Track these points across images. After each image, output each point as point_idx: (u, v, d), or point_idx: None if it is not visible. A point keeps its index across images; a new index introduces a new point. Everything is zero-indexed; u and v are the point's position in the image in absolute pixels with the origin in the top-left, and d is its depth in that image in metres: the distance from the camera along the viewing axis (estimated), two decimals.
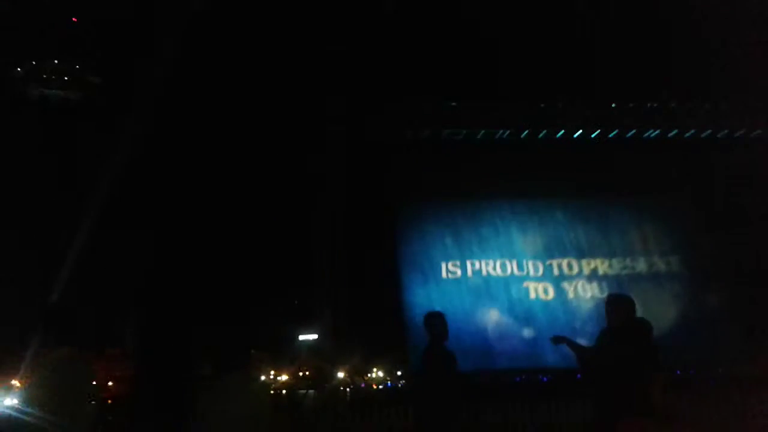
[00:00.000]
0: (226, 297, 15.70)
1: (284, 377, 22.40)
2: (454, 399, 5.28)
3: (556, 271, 16.94)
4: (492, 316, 16.37)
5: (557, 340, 5.60)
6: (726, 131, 17.22)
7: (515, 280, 16.78)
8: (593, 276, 16.99)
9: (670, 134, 17.20)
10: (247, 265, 15.94)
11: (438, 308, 15.99)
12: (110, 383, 19.31)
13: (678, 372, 14.27)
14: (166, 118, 13.40)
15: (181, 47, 11.70)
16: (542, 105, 16.24)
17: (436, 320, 5.55)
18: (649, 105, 16.74)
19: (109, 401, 17.11)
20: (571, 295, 16.66)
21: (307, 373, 22.47)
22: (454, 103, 15.93)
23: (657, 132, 17.12)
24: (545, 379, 15.55)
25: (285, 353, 21.58)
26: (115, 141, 12.89)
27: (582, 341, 5.76)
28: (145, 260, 14.69)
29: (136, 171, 14.34)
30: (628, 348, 5.00)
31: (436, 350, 5.42)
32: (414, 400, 5.58)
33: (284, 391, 18.86)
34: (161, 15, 11.89)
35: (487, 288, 16.75)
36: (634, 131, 17.01)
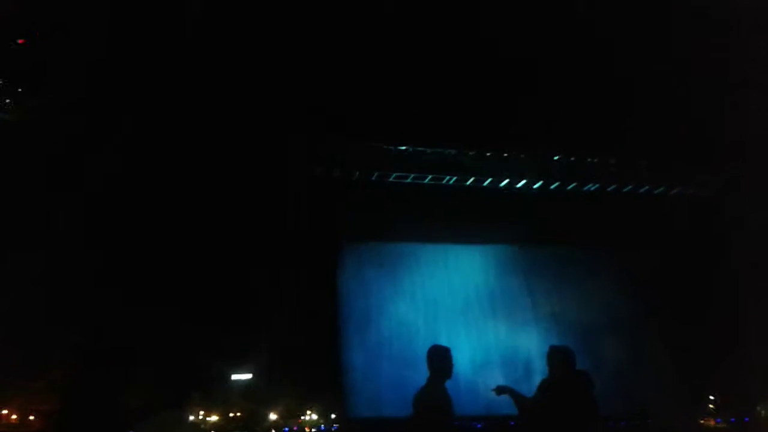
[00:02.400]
0: (159, 332, 15.20)
1: (214, 418, 21.57)
2: None
3: (496, 317, 17.09)
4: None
5: (500, 390, 5.55)
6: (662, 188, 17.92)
7: (455, 324, 16.83)
8: (533, 324, 17.22)
9: (609, 188, 17.78)
10: (181, 301, 15.47)
11: (375, 352, 15.97)
12: (32, 417, 18.22)
13: (611, 424, 14.47)
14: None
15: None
16: (488, 154, 16.55)
17: (440, 355, 5.16)
18: (589, 160, 17.26)
19: None
20: (510, 342, 16.80)
21: (238, 414, 21.73)
22: (403, 147, 16.07)
23: (597, 186, 17.67)
24: (479, 425, 15.50)
25: (216, 392, 20.83)
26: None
27: (522, 390, 5.74)
28: (77, 294, 14.13)
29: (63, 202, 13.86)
30: (568, 400, 5.05)
31: (434, 389, 5.01)
32: None
33: None
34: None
35: (425, 332, 16.72)
36: (574, 184, 17.50)
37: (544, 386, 5.37)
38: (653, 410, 16.83)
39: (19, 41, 12.08)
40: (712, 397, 19.71)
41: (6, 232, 12.68)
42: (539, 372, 15.39)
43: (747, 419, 17.42)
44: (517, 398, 5.51)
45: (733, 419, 19.06)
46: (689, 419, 17.75)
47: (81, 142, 12.81)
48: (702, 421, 19.62)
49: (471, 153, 16.44)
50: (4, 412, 17.78)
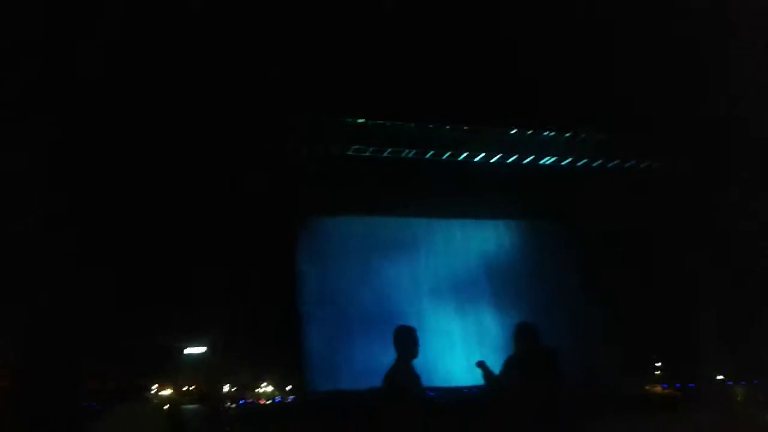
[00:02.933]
0: (110, 307, 14.86)
1: (168, 391, 21.30)
2: (417, 425, 4.83)
3: (458, 294, 17.29)
4: (387, 334, 16.36)
5: (479, 364, 5.62)
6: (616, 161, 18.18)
7: (417, 299, 16.97)
8: (496, 298, 17.50)
9: (564, 162, 17.95)
10: (135, 273, 15.13)
11: (332, 326, 15.96)
12: None
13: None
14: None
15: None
16: (447, 127, 16.48)
17: (406, 335, 5.11)
18: (546, 133, 17.33)
19: None
20: (472, 317, 17.05)
21: (192, 387, 21.53)
22: (361, 120, 15.84)
23: (552, 159, 17.81)
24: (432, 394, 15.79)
25: (169, 366, 20.54)
26: None
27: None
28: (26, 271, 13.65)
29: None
30: (535, 375, 5.18)
31: (402, 369, 4.95)
32: (376, 424, 5.06)
33: (166, 407, 17.92)
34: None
35: (387, 305, 16.81)
36: (532, 157, 17.61)
37: (511, 362, 5.46)
38: (602, 378, 17.37)
39: None
40: (658, 364, 20.50)
41: None
42: (499, 347, 15.70)
43: (692, 385, 18.12)
44: (488, 374, 5.58)
45: (678, 385, 19.86)
46: (636, 385, 18.40)
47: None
48: (648, 387, 20.41)
49: (447, 127, 16.35)
50: None
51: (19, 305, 13.60)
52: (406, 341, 5.06)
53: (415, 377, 4.98)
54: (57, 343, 13.94)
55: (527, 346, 5.39)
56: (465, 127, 16.53)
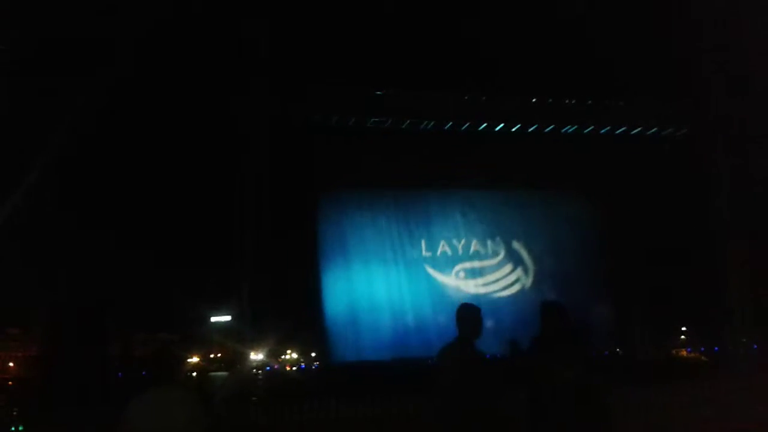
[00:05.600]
0: (139, 277, 15.21)
1: (195, 359, 21.86)
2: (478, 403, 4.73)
3: (476, 264, 17.38)
4: (409, 307, 16.64)
5: (511, 342, 5.27)
6: (639, 129, 17.98)
7: (436, 270, 17.12)
8: (520, 271, 17.62)
9: (586, 130, 17.78)
10: (161, 245, 15.45)
11: (355, 294, 16.14)
12: (11, 364, 18.34)
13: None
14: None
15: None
16: (466, 98, 16.38)
17: (469, 313, 4.97)
18: (566, 102, 17.17)
19: (10, 383, 16.30)
20: (492, 287, 17.18)
21: (219, 355, 22.05)
22: (380, 92, 15.80)
23: (574, 128, 17.65)
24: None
25: (196, 334, 21.02)
26: None
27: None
28: (54, 239, 13.99)
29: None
30: (563, 357, 4.99)
31: (464, 348, 4.86)
32: (432, 405, 5.01)
33: (194, 374, 18.43)
34: None
35: (405, 278, 16.97)
36: (552, 126, 17.46)
37: (538, 342, 5.27)
38: (629, 343, 17.50)
39: None
40: (684, 329, 20.57)
41: None
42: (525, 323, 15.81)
43: (717, 349, 18.17)
44: (516, 353, 5.27)
45: (702, 349, 19.93)
46: (662, 350, 18.50)
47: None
48: (674, 351, 20.51)
49: (449, 97, 16.20)
50: None
51: (50, 273, 13.97)
52: (470, 320, 4.96)
53: (479, 355, 4.93)
54: (86, 312, 14.36)
55: (554, 325, 5.19)
56: (483, 97, 16.43)
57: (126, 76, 12.44)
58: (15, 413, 11.39)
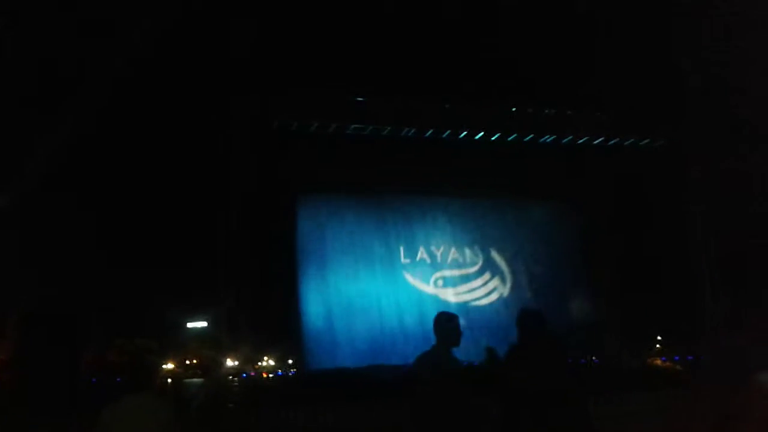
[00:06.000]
0: (113, 282, 15.00)
1: (170, 365, 21.53)
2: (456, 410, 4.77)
3: (455, 272, 17.42)
4: (385, 313, 16.63)
5: (489, 350, 5.27)
6: (617, 139, 18.19)
7: (414, 278, 17.13)
8: (497, 278, 17.68)
9: (564, 140, 17.95)
10: (137, 248, 15.26)
11: (333, 301, 16.05)
12: None
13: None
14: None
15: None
16: (447, 106, 16.46)
17: (446, 322, 5.01)
18: (546, 111, 17.32)
19: None
20: (470, 296, 17.21)
21: (194, 361, 21.75)
22: (361, 98, 15.82)
23: (553, 137, 17.81)
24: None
25: (172, 341, 20.75)
26: None
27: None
28: (27, 241, 13.78)
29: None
30: (540, 366, 4.92)
31: (441, 355, 4.91)
32: (410, 413, 4.99)
33: (169, 380, 18.16)
34: None
35: (383, 285, 16.95)
36: (531, 135, 17.60)
37: (515, 351, 5.23)
38: (605, 351, 17.60)
39: None
40: (659, 338, 20.72)
41: None
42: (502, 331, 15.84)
43: (690, 358, 18.33)
44: (493, 361, 5.28)
45: (677, 357, 20.09)
46: (636, 358, 18.61)
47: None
48: (649, 360, 20.65)
49: (430, 104, 16.28)
50: None
51: (19, 275, 13.73)
52: (448, 328, 4.98)
53: (457, 363, 4.95)
54: (58, 317, 14.13)
55: (531, 333, 5.17)
56: (464, 105, 16.51)
57: (107, 78, 12.33)
58: None
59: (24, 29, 11.50)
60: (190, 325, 21.05)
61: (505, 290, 17.96)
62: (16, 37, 11.57)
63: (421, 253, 17.60)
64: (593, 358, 17.85)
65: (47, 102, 12.55)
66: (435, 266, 17.62)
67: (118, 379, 11.81)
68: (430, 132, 16.86)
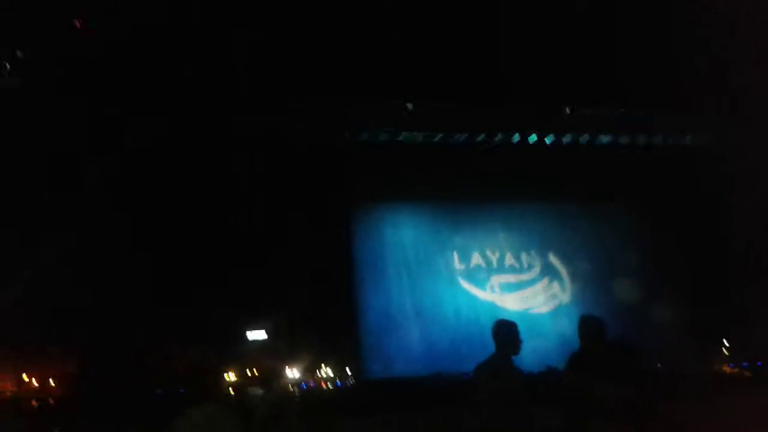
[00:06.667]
0: (174, 293, 15.36)
1: (232, 376, 21.90)
2: (515, 424, 4.72)
3: (511, 279, 17.17)
4: (442, 320, 16.53)
5: (549, 367, 5.32)
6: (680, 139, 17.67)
7: (467, 282, 16.98)
8: (551, 284, 17.34)
9: (623, 140, 17.52)
10: (197, 261, 15.58)
11: (392, 309, 16.09)
12: (51, 382, 18.56)
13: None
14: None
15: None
16: (499, 109, 16.28)
17: (506, 330, 5.01)
18: (602, 111, 16.95)
19: (51, 401, 16.44)
20: (524, 304, 16.94)
21: (255, 372, 22.03)
22: (410, 105, 15.80)
23: (609, 138, 17.40)
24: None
25: (233, 351, 21.11)
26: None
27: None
28: (87, 256, 14.21)
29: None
30: (601, 374, 4.87)
31: (501, 364, 4.90)
32: (470, 421, 4.98)
33: (232, 391, 18.42)
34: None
35: (437, 291, 16.85)
36: (587, 136, 17.24)
37: (575, 361, 5.23)
38: (667, 357, 17.01)
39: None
40: (726, 344, 19.97)
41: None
42: (555, 333, 15.56)
43: (760, 363, 17.61)
44: (552, 377, 5.30)
45: (745, 364, 19.31)
46: (703, 364, 17.96)
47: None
48: (715, 366, 19.91)
49: (479, 109, 16.12)
50: (25, 377, 18.05)
51: (84, 289, 14.17)
52: (508, 336, 4.96)
53: (517, 372, 4.91)
54: (122, 328, 14.54)
55: (593, 341, 5.13)
56: (517, 109, 16.31)
57: (143, 90, 12.71)
58: None
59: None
60: (250, 335, 21.40)
61: (565, 296, 17.60)
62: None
63: (476, 259, 17.41)
64: (659, 364, 17.30)
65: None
66: (491, 271, 17.41)
67: (182, 390, 12.04)
68: (482, 136, 16.71)
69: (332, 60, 13.65)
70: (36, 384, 18.33)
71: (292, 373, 20.13)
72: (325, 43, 13.15)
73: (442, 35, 13.43)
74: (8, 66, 12.66)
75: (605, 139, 17.36)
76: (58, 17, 11.84)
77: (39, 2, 11.44)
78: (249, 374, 22.55)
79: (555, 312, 17.31)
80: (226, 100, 14.04)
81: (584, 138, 17.24)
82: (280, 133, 15.15)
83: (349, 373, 20.86)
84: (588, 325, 5.24)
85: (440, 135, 16.41)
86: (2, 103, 12.29)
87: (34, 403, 15.89)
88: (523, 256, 17.69)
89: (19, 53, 12.47)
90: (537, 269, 17.68)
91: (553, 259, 17.81)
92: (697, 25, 13.01)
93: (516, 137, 16.94)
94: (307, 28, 12.93)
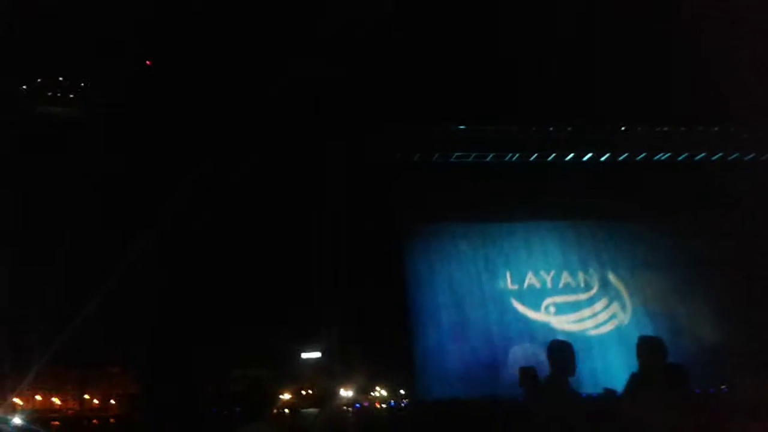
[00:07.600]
0: (228, 314, 15.66)
1: (287, 395, 22.15)
2: None
3: (568, 299, 16.91)
4: (495, 341, 16.36)
5: (608, 393, 5.24)
6: (737, 154, 17.17)
7: (520, 303, 16.80)
8: (610, 305, 17.03)
9: (680, 157, 17.14)
10: (254, 285, 15.87)
11: (442, 330, 15.94)
12: (112, 401, 19.13)
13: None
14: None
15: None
16: (551, 129, 16.16)
17: (562, 350, 4.88)
18: (657, 129, 16.65)
19: (112, 420, 16.91)
20: (581, 325, 16.64)
21: (309, 391, 22.21)
22: (463, 126, 15.85)
23: (667, 155, 17.06)
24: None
25: (287, 371, 21.34)
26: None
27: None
28: (148, 280, 14.62)
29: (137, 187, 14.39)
30: (662, 395, 4.68)
31: (558, 385, 4.78)
32: None
33: (287, 410, 18.60)
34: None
35: (489, 312, 16.70)
36: (644, 155, 16.95)
37: (635, 384, 4.98)
38: (734, 381, 16.34)
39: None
40: None
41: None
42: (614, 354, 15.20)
43: None
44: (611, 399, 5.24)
45: None
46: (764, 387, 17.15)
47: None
48: None
49: (533, 129, 16.06)
50: (87, 396, 18.60)
51: (141, 312, 14.58)
52: (562, 357, 4.83)
53: (573, 393, 4.79)
54: (178, 350, 14.87)
55: (652, 363, 4.89)
56: (569, 128, 16.16)
57: (208, 120, 13.10)
58: None
59: None
60: (304, 355, 21.63)
61: (625, 317, 17.16)
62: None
63: (530, 279, 17.23)
64: (722, 387, 16.65)
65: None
66: (545, 292, 17.19)
67: (237, 409, 12.23)
68: (534, 156, 16.62)
69: (386, 85, 13.84)
70: (97, 403, 18.92)
71: (346, 393, 20.21)
72: (378, 68, 13.37)
73: (493, 58, 13.51)
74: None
75: (663, 156, 16.98)
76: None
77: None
78: (304, 394, 22.79)
79: (613, 332, 16.90)
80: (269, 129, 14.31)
81: (641, 155, 16.89)
82: (327, 160, 15.34)
83: (403, 394, 20.83)
84: (648, 346, 5.02)
85: (491, 155, 16.35)
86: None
87: (95, 422, 16.41)
88: (580, 275, 17.37)
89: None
90: (595, 289, 17.33)
91: (612, 278, 17.41)
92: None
93: (570, 156, 16.73)
94: (357, 53, 13.19)
